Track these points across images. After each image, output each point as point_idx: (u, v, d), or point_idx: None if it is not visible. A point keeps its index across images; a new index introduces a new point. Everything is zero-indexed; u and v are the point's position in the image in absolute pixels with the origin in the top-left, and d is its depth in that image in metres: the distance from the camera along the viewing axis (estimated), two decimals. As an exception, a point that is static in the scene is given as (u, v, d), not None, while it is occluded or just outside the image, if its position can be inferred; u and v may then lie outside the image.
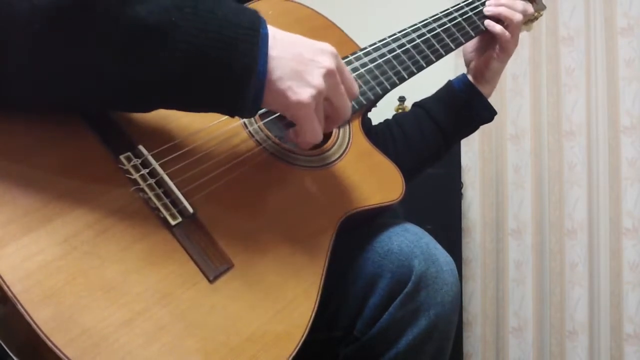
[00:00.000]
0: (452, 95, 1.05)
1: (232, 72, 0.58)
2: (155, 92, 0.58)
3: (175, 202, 0.62)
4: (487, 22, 1.00)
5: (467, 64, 1.07)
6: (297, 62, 0.61)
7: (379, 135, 1.04)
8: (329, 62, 0.63)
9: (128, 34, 0.54)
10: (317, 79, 0.62)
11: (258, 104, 0.61)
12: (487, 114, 1.06)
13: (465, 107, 1.05)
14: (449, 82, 1.07)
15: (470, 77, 1.06)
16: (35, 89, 0.55)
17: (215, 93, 0.59)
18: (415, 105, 1.09)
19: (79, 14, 0.53)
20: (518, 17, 1.00)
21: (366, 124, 0.89)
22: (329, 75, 0.63)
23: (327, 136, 0.81)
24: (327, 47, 0.65)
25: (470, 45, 1.05)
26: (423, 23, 0.96)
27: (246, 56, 0.58)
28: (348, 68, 0.86)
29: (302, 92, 0.61)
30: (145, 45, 0.55)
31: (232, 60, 0.57)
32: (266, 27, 0.60)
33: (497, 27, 1.00)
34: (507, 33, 1.00)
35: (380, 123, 1.08)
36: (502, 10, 1.00)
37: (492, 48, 1.02)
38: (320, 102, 0.64)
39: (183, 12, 0.56)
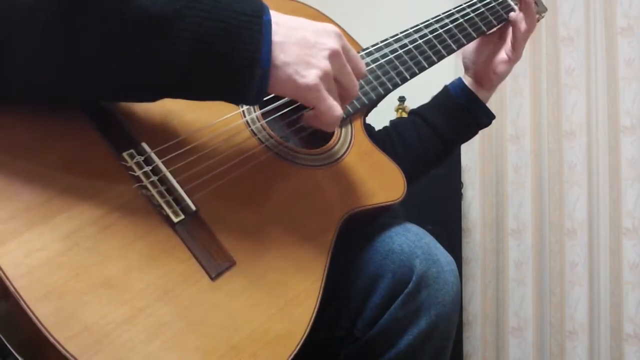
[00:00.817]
0: (450, 102, 1.05)
1: (236, 60, 0.58)
2: (159, 81, 0.58)
3: (178, 200, 0.62)
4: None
5: (467, 67, 1.06)
6: (301, 46, 0.61)
7: (379, 142, 1.03)
8: (332, 43, 0.63)
9: (132, 24, 0.54)
10: (322, 61, 0.62)
11: (263, 91, 0.61)
12: (486, 119, 1.06)
13: (465, 114, 1.04)
14: (446, 88, 1.07)
15: (469, 82, 1.05)
16: (38, 81, 0.55)
17: (220, 81, 0.59)
18: (412, 113, 1.08)
19: (82, 4, 0.53)
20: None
21: (367, 129, 0.89)
22: (333, 55, 0.63)
23: (329, 135, 0.81)
24: (331, 27, 0.65)
25: (471, 47, 1.05)
26: (425, 24, 0.96)
27: (250, 44, 0.58)
28: None
29: (309, 75, 0.61)
30: (149, 35, 0.55)
31: (236, 48, 0.57)
32: (269, 14, 0.60)
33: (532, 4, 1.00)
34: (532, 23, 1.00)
35: (379, 130, 1.08)
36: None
37: (500, 53, 1.02)
38: (331, 82, 0.64)
39: (187, 1, 0.56)
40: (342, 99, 0.68)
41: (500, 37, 1.03)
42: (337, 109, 0.65)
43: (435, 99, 1.07)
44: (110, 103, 0.64)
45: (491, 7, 1.02)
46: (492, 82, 1.04)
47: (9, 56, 0.53)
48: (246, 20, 0.58)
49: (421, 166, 1.05)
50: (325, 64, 0.62)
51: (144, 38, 0.55)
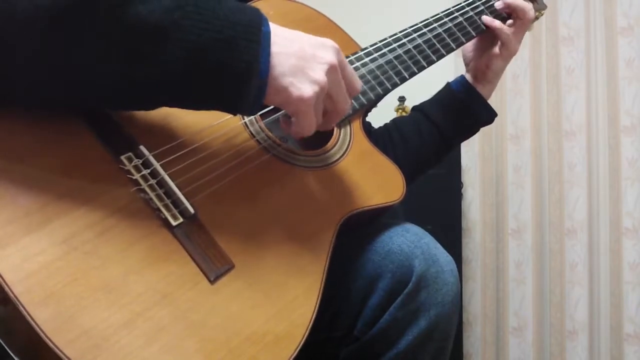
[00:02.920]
0: (451, 97, 1.05)
1: (234, 70, 0.58)
2: (156, 90, 0.58)
3: (177, 203, 0.62)
4: (485, 17, 0.99)
5: (467, 64, 1.06)
6: (298, 58, 0.61)
7: (377, 139, 1.03)
8: (330, 57, 0.63)
9: (129, 33, 0.54)
10: (319, 75, 0.62)
11: (260, 101, 0.61)
12: (487, 115, 1.05)
13: (464, 109, 1.04)
14: (448, 84, 1.07)
15: (469, 77, 1.05)
16: (35, 88, 0.55)
17: (217, 92, 0.59)
18: (414, 109, 1.08)
19: (80, 13, 0.53)
20: (531, 13, 1.00)
21: (365, 127, 0.89)
22: (331, 70, 0.63)
23: (328, 136, 0.81)
24: (329, 42, 0.65)
25: (470, 44, 1.05)
26: (424, 23, 0.96)
27: (248, 55, 0.58)
28: None
29: (304, 88, 0.61)
30: (146, 45, 0.55)
31: (233, 59, 0.57)
32: (268, 25, 0.60)
33: (496, 22, 0.99)
34: (505, 28, 0.99)
35: (380, 127, 1.08)
36: (519, 3, 1.00)
37: (494, 47, 1.02)
38: (321, 98, 0.64)
39: (185, 12, 0.56)
40: (332, 113, 0.68)
41: (496, 34, 1.03)
42: (311, 129, 0.65)
43: (437, 94, 1.07)
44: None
45: (490, 4, 1.02)
46: (487, 77, 1.03)
47: (9, 61, 0.53)
48: (244, 30, 0.58)
49: (420, 164, 1.05)
50: (323, 78, 0.62)
51: (141, 47, 0.55)
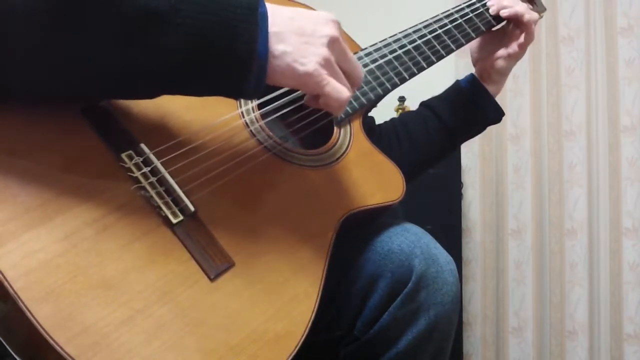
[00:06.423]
0: (458, 92, 1.05)
1: (233, 53, 0.58)
2: (157, 77, 0.58)
3: (177, 201, 0.62)
4: (503, 11, 1.00)
5: (474, 64, 1.07)
6: (298, 35, 0.61)
7: (383, 134, 1.04)
8: (330, 30, 0.63)
9: (128, 19, 0.54)
10: (320, 48, 0.62)
11: (261, 84, 0.61)
12: (494, 113, 1.06)
13: (471, 105, 1.05)
14: (456, 81, 1.07)
15: (476, 76, 1.06)
16: (36, 78, 0.55)
17: (218, 74, 0.59)
18: (421, 104, 1.09)
19: (79, 1, 0.53)
20: (527, 16, 1.01)
21: (369, 123, 0.89)
22: (332, 42, 0.63)
23: (328, 135, 0.81)
24: (328, 15, 0.65)
25: (477, 45, 1.05)
26: (424, 24, 0.97)
27: (246, 36, 0.58)
28: None
29: (308, 62, 0.61)
30: (145, 30, 0.55)
31: (232, 41, 0.57)
32: (264, 6, 0.60)
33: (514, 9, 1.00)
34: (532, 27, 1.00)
35: (385, 122, 1.08)
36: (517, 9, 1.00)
37: (500, 47, 1.03)
38: (333, 67, 0.63)
39: None
40: (349, 80, 0.67)
41: (504, 35, 1.03)
42: (343, 91, 0.64)
43: (445, 91, 1.07)
44: (109, 104, 0.64)
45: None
46: (491, 78, 1.04)
47: (8, 54, 0.53)
48: (242, 13, 0.58)
49: (425, 159, 1.05)
50: (324, 51, 0.62)
51: (141, 33, 0.55)
